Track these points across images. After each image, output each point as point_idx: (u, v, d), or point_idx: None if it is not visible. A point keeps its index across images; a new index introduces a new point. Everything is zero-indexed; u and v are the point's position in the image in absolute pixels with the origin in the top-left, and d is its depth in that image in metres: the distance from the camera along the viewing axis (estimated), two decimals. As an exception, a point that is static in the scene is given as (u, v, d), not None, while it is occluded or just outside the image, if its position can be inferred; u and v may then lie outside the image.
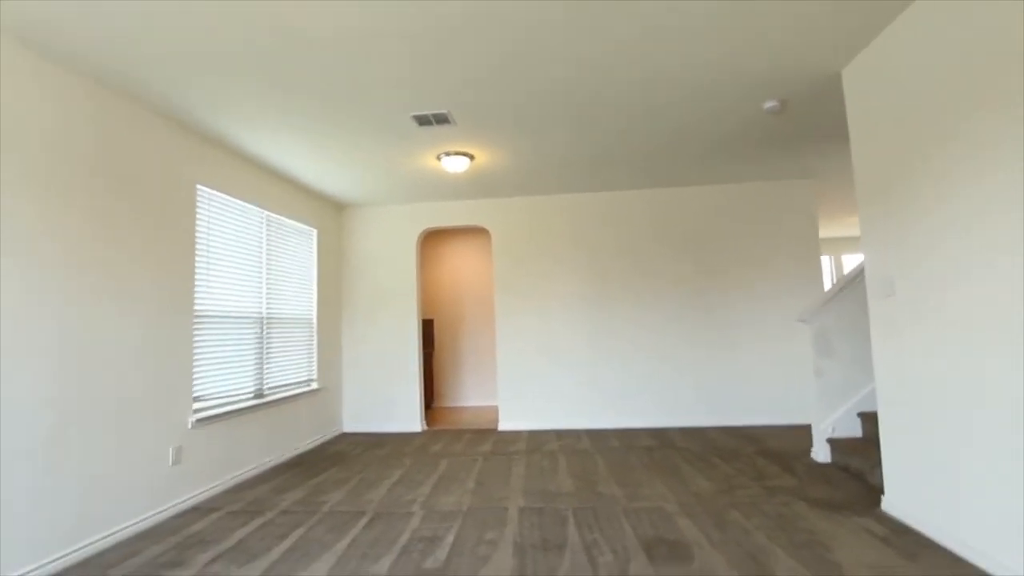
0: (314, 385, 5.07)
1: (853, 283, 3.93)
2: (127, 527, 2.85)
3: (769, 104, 3.46)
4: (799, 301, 5.26)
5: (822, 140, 4.21)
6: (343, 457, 4.48)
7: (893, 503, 2.77)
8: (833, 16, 2.50)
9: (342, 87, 2.99)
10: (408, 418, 5.54)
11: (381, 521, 2.94)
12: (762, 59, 2.87)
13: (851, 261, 9.36)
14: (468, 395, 7.31)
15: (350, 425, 5.62)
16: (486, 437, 5.09)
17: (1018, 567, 1.99)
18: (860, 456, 3.44)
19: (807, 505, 2.96)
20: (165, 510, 3.12)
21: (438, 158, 4.22)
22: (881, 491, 3.09)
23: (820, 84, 3.20)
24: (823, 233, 8.61)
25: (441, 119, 3.45)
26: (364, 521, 2.95)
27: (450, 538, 2.67)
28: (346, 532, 2.79)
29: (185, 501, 3.28)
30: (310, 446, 4.87)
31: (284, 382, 4.58)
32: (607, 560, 2.36)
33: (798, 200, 5.38)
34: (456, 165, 4.20)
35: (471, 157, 4.21)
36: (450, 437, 5.16)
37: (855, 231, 8.64)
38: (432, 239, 7.58)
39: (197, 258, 3.55)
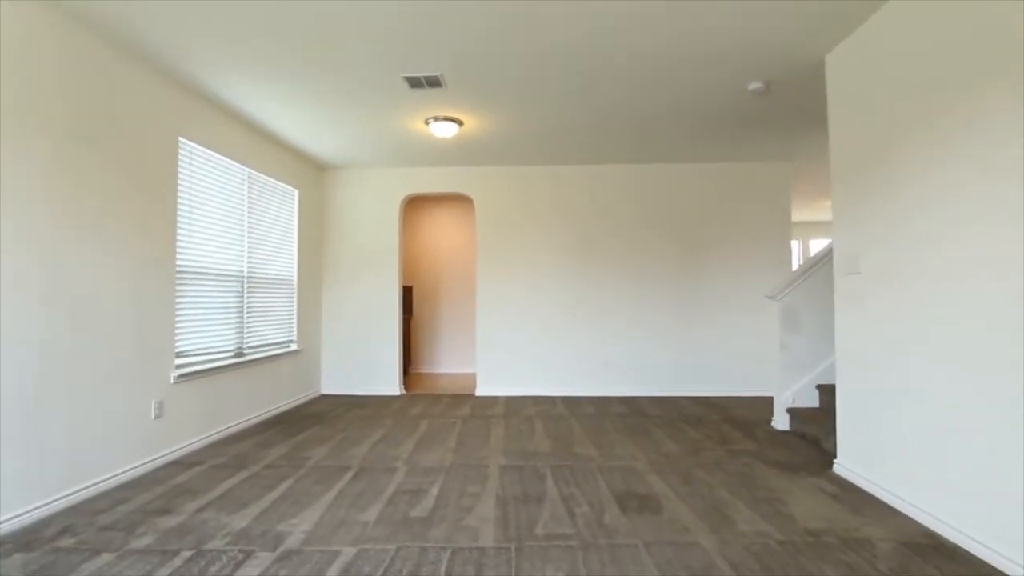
0: (293, 346, 5.08)
1: (820, 264, 4.14)
2: (112, 477, 2.87)
3: (754, 85, 3.55)
4: (768, 279, 5.49)
5: (801, 124, 4.35)
6: (324, 417, 4.55)
7: (843, 466, 3.01)
8: (821, 3, 2.59)
9: (334, 41, 2.94)
10: (387, 382, 5.62)
11: (366, 475, 3.04)
12: (750, 40, 2.95)
13: (818, 246, 9.72)
14: (445, 362, 7.42)
15: (328, 387, 5.67)
16: (464, 402, 5.22)
17: (950, 518, 2.23)
18: (816, 424, 3.70)
19: (766, 466, 3.19)
20: (149, 462, 3.15)
21: (426, 122, 4.19)
22: (833, 455, 3.34)
23: (804, 68, 3.30)
24: (794, 217, 8.90)
25: (433, 82, 3.43)
26: (349, 475, 3.04)
27: (434, 491, 2.79)
28: (333, 484, 2.89)
29: (168, 454, 3.31)
30: (289, 406, 4.92)
31: (264, 342, 4.58)
32: (584, 511, 2.53)
33: (774, 182, 5.57)
34: (444, 130, 4.18)
35: (460, 123, 4.20)
36: (429, 401, 5.27)
37: (824, 216, 8.96)
38: (412, 206, 7.53)
39: (179, 213, 3.49)
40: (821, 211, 8.54)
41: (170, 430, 3.35)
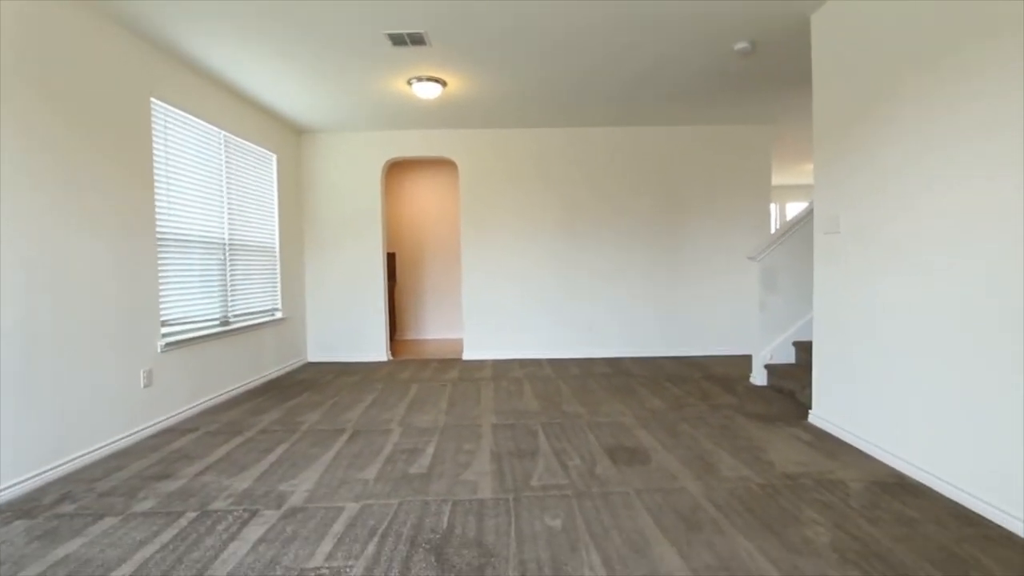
0: (278, 314, 5.04)
1: (798, 226, 4.25)
2: (105, 446, 2.87)
3: (740, 45, 3.55)
4: (748, 242, 5.62)
5: (785, 85, 4.38)
6: (313, 383, 4.57)
7: (818, 415, 3.19)
8: (812, -42, 2.58)
9: (315, -2, 2.83)
10: (374, 348, 5.65)
11: (362, 437, 3.10)
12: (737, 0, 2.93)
13: (795, 209, 9.92)
14: (430, 328, 7.46)
15: (315, 355, 5.67)
16: (452, 366, 5.30)
17: (915, 460, 2.40)
18: (792, 379, 3.88)
19: (745, 418, 3.35)
20: (141, 431, 3.14)
21: (409, 83, 4.09)
22: (808, 407, 3.52)
23: (790, 28, 3.30)
24: (773, 181, 9.02)
25: (417, 39, 3.33)
26: (345, 437, 3.10)
27: (430, 450, 2.87)
28: (329, 446, 2.94)
29: (160, 423, 3.31)
30: (277, 374, 4.92)
31: (249, 310, 4.54)
32: (576, 463, 2.64)
33: (756, 144, 5.62)
34: (428, 91, 4.09)
35: (443, 84, 4.10)
36: (417, 366, 5.33)
37: (802, 180, 9.11)
38: (394, 171, 7.39)
39: (156, 177, 3.38)
40: (799, 175, 8.68)
41: (161, 398, 3.34)
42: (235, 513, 2.15)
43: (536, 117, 5.16)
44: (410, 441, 3.01)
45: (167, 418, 3.38)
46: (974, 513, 2.06)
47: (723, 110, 5.05)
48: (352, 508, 2.18)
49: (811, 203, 4.17)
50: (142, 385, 3.19)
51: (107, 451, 2.88)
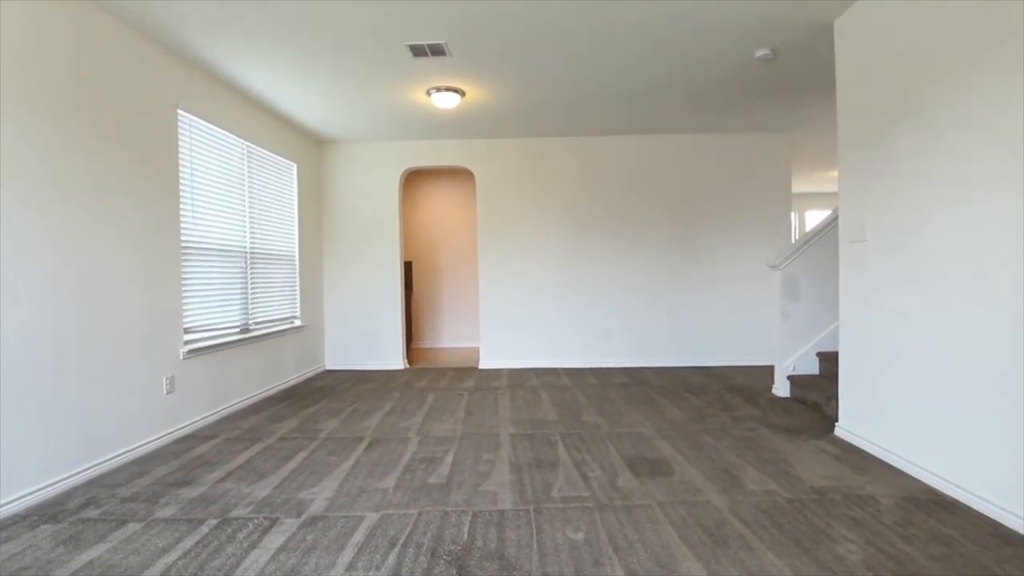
0: (297, 322, 5.09)
1: (821, 234, 4.17)
2: (128, 451, 2.90)
3: (761, 52, 3.52)
4: (766, 250, 5.53)
5: (806, 93, 4.32)
6: (331, 391, 4.59)
7: (845, 428, 3.10)
8: (836, -36, 2.55)
9: (334, 8, 2.87)
10: (391, 356, 5.66)
11: (380, 445, 3.10)
12: (758, 6, 2.91)
13: (813, 217, 9.77)
14: (446, 336, 7.46)
15: (333, 362, 5.70)
16: (468, 374, 5.28)
17: (949, 475, 2.32)
18: (816, 390, 3.79)
19: (769, 430, 3.27)
20: (163, 436, 3.18)
21: (428, 93, 4.12)
22: (834, 420, 3.44)
23: (812, 34, 3.27)
24: (792, 189, 8.91)
25: (437, 50, 3.36)
26: (364, 445, 3.09)
27: (449, 459, 2.85)
28: (348, 455, 2.94)
29: (181, 429, 3.34)
30: (296, 381, 4.95)
31: (269, 318, 4.58)
32: (597, 475, 2.60)
33: (774, 152, 5.56)
34: (447, 101, 4.12)
35: (462, 93, 4.13)
36: (433, 374, 5.33)
37: (822, 187, 8.98)
38: (410, 180, 7.45)
39: (181, 187, 3.44)
40: (818, 183, 8.56)
41: (182, 405, 3.38)
42: (255, 521, 2.15)
43: (553, 126, 5.17)
44: (428, 450, 3.00)
45: (188, 424, 3.41)
46: (1014, 532, 1.98)
47: (742, 118, 5.00)
48: (372, 518, 2.17)
49: (835, 211, 4.10)
50: (165, 391, 3.23)
51: (130, 456, 2.91)
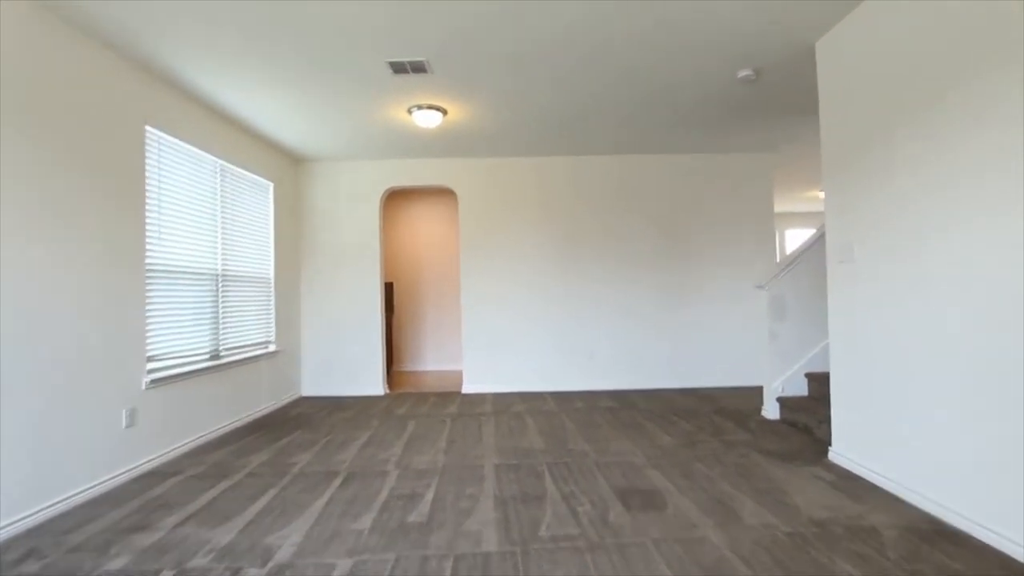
0: (272, 347, 4.88)
1: (805, 252, 4.15)
2: (80, 492, 2.67)
3: (744, 73, 3.52)
4: (753, 269, 5.52)
5: (786, 113, 4.35)
6: (306, 420, 4.37)
7: (839, 453, 3.01)
8: (818, -15, 2.55)
9: (312, 24, 2.78)
10: (370, 381, 5.46)
11: (356, 480, 2.91)
12: (740, 26, 2.90)
13: (793, 235, 9.89)
14: (429, 359, 7.28)
15: (309, 388, 5.48)
16: (451, 399, 5.11)
17: (952, 503, 2.23)
18: (806, 412, 3.72)
19: (762, 456, 3.17)
20: (121, 475, 2.94)
21: (409, 111, 4.04)
22: (827, 443, 3.36)
23: (793, 55, 3.28)
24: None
25: (418, 67, 3.28)
26: (338, 481, 2.91)
27: (430, 495, 2.68)
28: (322, 492, 2.74)
29: (142, 465, 3.11)
30: (270, 410, 4.72)
31: (241, 343, 4.37)
32: (586, 509, 2.46)
33: (757, 172, 5.59)
34: (428, 120, 4.04)
35: (444, 112, 4.06)
36: (415, 400, 5.14)
37: (801, 207, 9.11)
38: (392, 200, 7.34)
39: (147, 207, 3.27)
40: (797, 202, 8.68)
41: (143, 439, 3.15)
42: (215, 572, 1.96)
43: (537, 145, 5.12)
44: (408, 485, 2.82)
45: (150, 460, 3.18)
46: (1020, 564, 1.89)
47: (725, 138, 5.02)
48: (344, 565, 1.99)
49: (819, 229, 4.09)
50: (124, 425, 3.01)
51: (83, 498, 2.68)
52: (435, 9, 2.65)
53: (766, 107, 4.20)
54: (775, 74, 3.56)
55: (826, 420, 3.44)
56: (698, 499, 2.55)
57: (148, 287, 3.26)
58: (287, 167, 5.28)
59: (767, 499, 2.53)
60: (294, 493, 2.73)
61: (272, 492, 2.75)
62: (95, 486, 2.77)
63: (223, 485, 2.88)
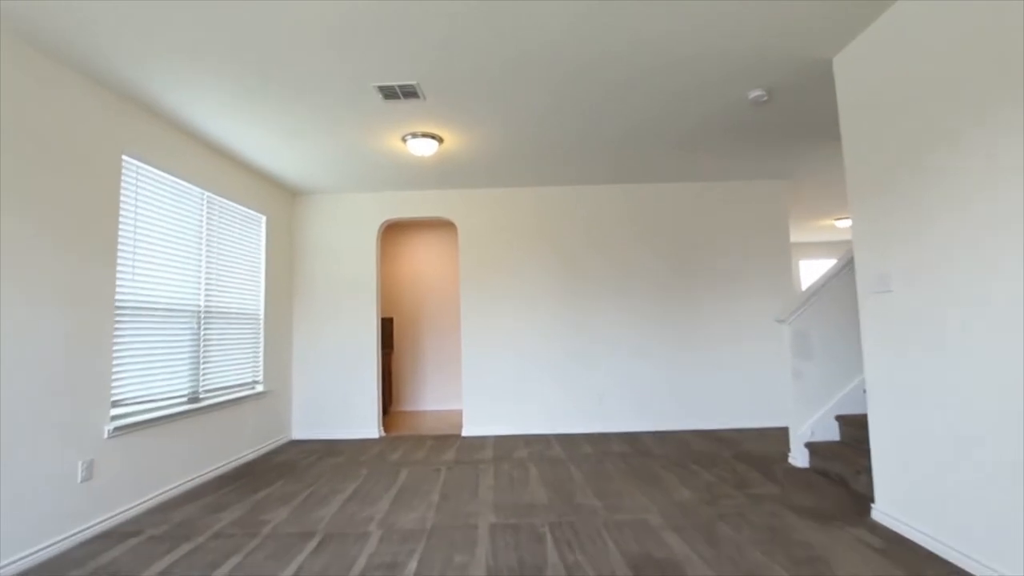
0: (260, 388, 4.60)
1: (828, 283, 3.84)
2: (20, 560, 2.36)
3: (755, 93, 3.31)
4: (770, 302, 5.20)
5: (801, 137, 4.12)
6: (292, 467, 4.04)
7: (883, 512, 2.63)
8: (828, 1, 2.35)
9: (298, 48, 2.61)
10: (364, 423, 5.13)
11: (332, 544, 2.57)
12: (751, 42, 2.70)
13: (808, 266, 9.55)
14: (428, 399, 6.93)
15: (300, 431, 5.15)
16: (449, 443, 4.75)
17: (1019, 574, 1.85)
18: (840, 461, 3.33)
19: (795, 515, 2.79)
20: (72, 536, 2.63)
21: (403, 140, 3.87)
22: (867, 498, 2.97)
23: (808, 73, 3.06)
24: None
25: (409, 92, 3.11)
26: (312, 544, 2.56)
27: (413, 564, 2.33)
28: (290, 559, 2.40)
29: (97, 525, 2.79)
30: (254, 456, 4.40)
31: (225, 384, 4.10)
32: (594, 586, 2.09)
33: (771, 200, 5.33)
34: (423, 148, 3.86)
35: (440, 140, 3.88)
36: (411, 444, 4.79)
37: (816, 236, 8.81)
38: (390, 232, 7.17)
39: (121, 240, 3.07)
40: (812, 231, 8.38)
41: (102, 495, 2.85)
42: (144, 672, 1.62)
43: (537, 175, 4.93)
44: (389, 550, 2.47)
45: (108, 518, 2.87)
46: None
47: (735, 164, 4.79)
48: (300, 663, 1.65)
49: (842, 257, 3.79)
50: (80, 479, 2.71)
51: (22, 566, 2.36)
52: (423, 28, 2.48)
53: (778, 130, 3.97)
54: (789, 94, 3.34)
55: (864, 471, 3.06)
56: (725, 572, 2.17)
57: (117, 326, 3.02)
58: (282, 200, 5.12)
59: (807, 572, 2.15)
60: (260, 560, 2.40)
61: (235, 560, 2.41)
62: (39, 551, 2.45)
63: (183, 549, 2.55)
